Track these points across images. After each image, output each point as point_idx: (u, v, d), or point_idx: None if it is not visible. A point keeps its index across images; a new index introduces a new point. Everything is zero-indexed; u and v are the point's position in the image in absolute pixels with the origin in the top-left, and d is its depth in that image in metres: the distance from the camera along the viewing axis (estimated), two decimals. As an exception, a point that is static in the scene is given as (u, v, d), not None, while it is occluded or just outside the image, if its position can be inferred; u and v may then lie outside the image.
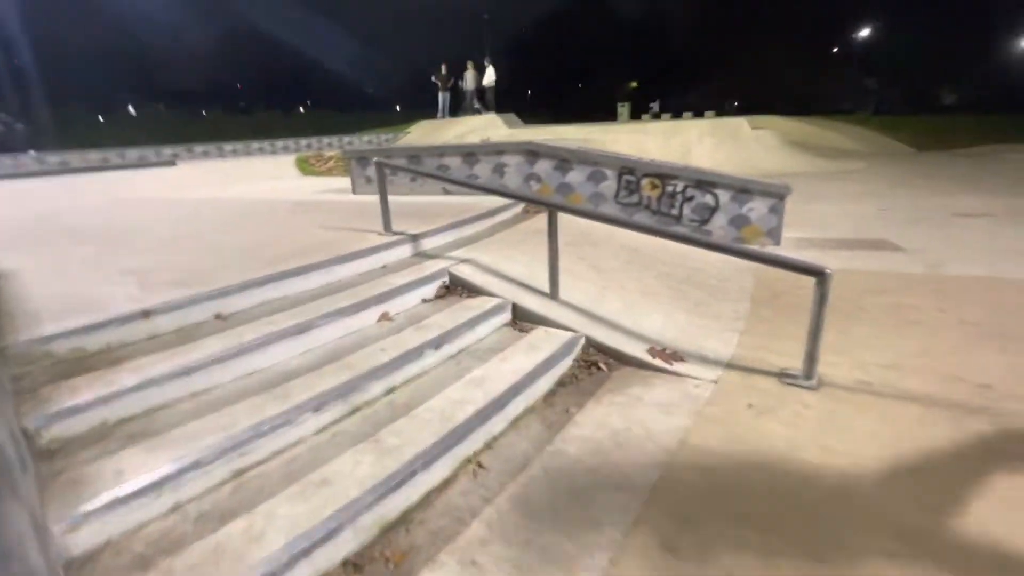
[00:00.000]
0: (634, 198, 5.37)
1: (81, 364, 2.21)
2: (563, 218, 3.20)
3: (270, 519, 1.66)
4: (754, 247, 3.97)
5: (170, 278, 2.91)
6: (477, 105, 16.34)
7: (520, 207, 5.32)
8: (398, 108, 45.08)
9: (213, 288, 2.69)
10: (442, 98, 16.36)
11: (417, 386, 2.47)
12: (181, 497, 1.74)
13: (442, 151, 6.09)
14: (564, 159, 5.49)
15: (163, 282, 2.85)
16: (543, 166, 5.66)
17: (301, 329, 2.53)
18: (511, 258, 3.78)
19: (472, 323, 2.90)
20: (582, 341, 2.95)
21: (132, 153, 14.19)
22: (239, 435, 1.91)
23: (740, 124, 13.24)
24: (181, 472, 1.74)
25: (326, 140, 18.61)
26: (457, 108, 16.69)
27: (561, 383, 2.70)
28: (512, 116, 15.60)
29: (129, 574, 1.49)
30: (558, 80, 50.64)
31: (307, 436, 2.08)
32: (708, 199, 5.15)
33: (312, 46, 47.36)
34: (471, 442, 2.14)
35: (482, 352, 2.78)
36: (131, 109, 37.74)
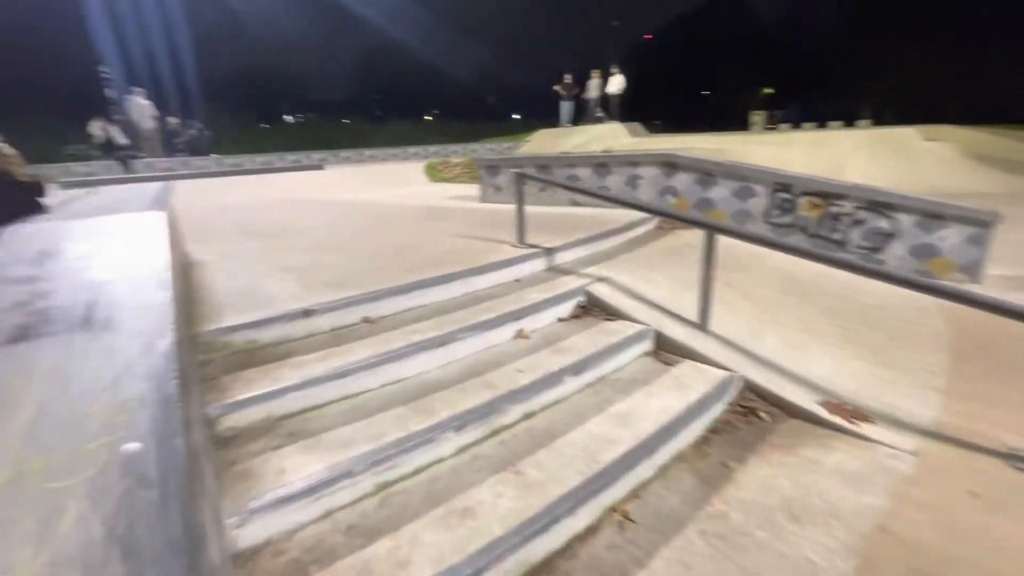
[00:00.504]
0: (788, 218, 4.76)
1: (253, 356, 2.38)
2: (695, 237, 2.86)
3: (415, 545, 1.60)
4: (958, 286, 3.27)
5: (325, 278, 3.09)
6: (600, 113, 16.05)
7: (653, 223, 4.99)
8: (516, 117, 46.25)
9: (363, 292, 2.79)
10: (565, 107, 16.32)
11: (556, 414, 2.32)
12: (333, 504, 1.75)
13: (573, 161, 5.95)
14: (707, 172, 5.06)
15: (319, 282, 3.02)
16: (682, 179, 5.27)
17: (443, 341, 2.51)
18: (651, 280, 3.50)
19: (613, 350, 2.69)
20: (738, 382, 2.60)
21: (289, 157, 16.11)
22: (386, 448, 1.89)
23: (909, 135, 11.43)
24: (334, 480, 1.75)
25: (452, 148, 19.55)
26: (579, 117, 16.55)
27: (715, 430, 2.38)
28: (636, 125, 15.08)
29: (285, 578, 1.51)
30: (683, 88, 48.47)
31: (448, 456, 2.02)
32: (883, 224, 4.39)
33: (441, 59, 50.62)
34: (617, 488, 1.93)
35: (624, 384, 2.55)
36: (289, 118, 43.19)
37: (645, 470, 2.05)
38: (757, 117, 19.38)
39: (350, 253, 3.81)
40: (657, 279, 3.52)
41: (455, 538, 1.62)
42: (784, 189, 4.75)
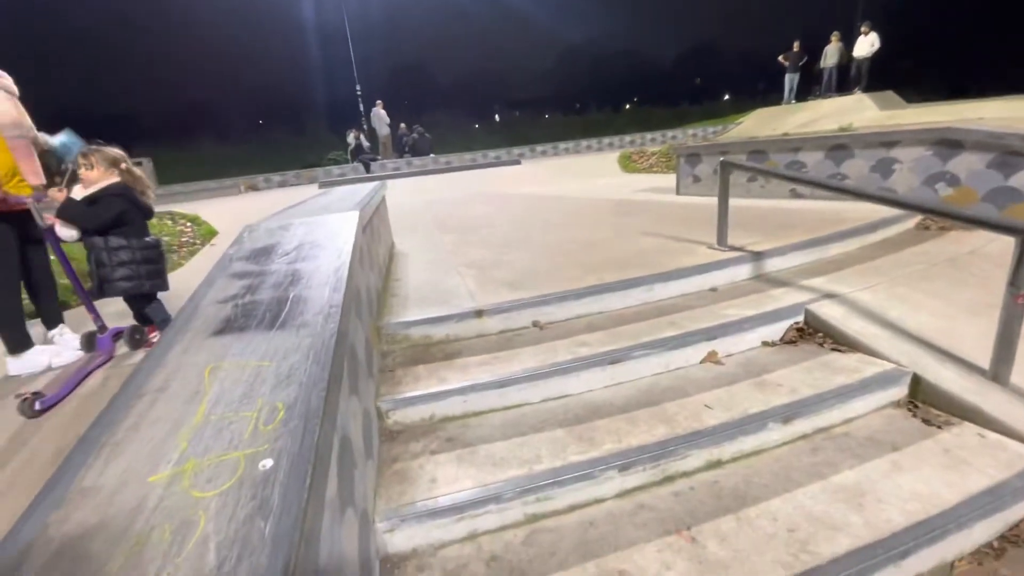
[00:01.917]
0: None
1: (426, 352, 2.44)
2: (986, 243, 1.89)
3: (558, 604, 1.37)
4: None
5: (502, 276, 3.06)
6: (835, 86, 13.29)
7: (913, 221, 3.78)
8: (727, 97, 41.82)
9: (536, 295, 2.65)
10: (789, 80, 13.99)
11: (752, 470, 1.82)
12: (477, 528, 1.64)
13: (798, 144, 4.89)
14: (1014, 151, 3.58)
15: (497, 280, 3.00)
16: (966, 162, 3.85)
17: (614, 359, 2.20)
18: (907, 300, 2.59)
19: (842, 393, 2.02)
20: (1064, 473, 1.69)
21: (491, 154, 17.40)
22: (538, 477, 1.70)
23: None
24: (483, 502, 1.63)
25: (649, 136, 18.62)
26: (807, 92, 14.01)
27: (1017, 541, 1.58)
28: (889, 95, 12.05)
29: (425, 599, 1.43)
30: (957, 42, 37.30)
31: (607, 497, 1.74)
32: None
33: (640, 46, 48.77)
34: (839, 597, 1.39)
35: (857, 445, 1.89)
36: (496, 117, 46.92)
37: (887, 581, 1.45)
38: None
39: (531, 250, 3.74)
40: (918, 300, 2.59)
41: (606, 610, 1.34)
42: None
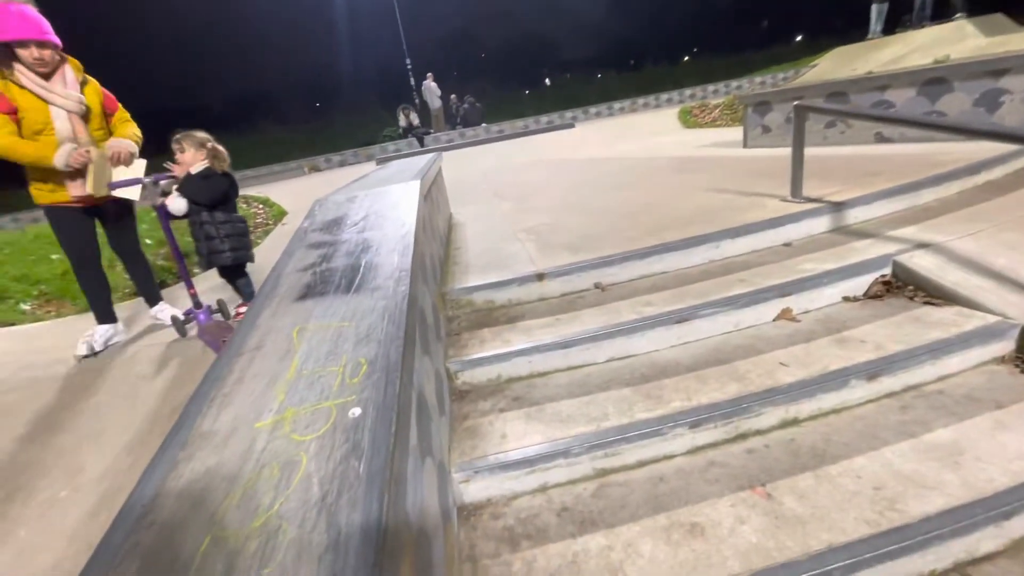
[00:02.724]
0: None
1: (490, 316, 2.50)
2: None
3: (629, 553, 1.40)
4: None
5: (561, 240, 3.04)
6: (930, 12, 11.73)
7: (1023, 160, 3.34)
8: (799, 39, 38.12)
9: (596, 256, 2.62)
10: (876, 8, 12.45)
11: (833, 428, 1.74)
12: (548, 480, 1.69)
13: (885, 81, 4.40)
14: None
15: (556, 244, 2.99)
16: (1095, 87, 3.33)
17: (680, 318, 2.15)
18: (1017, 247, 2.32)
19: (936, 348, 1.87)
20: None
21: (543, 119, 17.03)
22: (606, 433, 1.72)
23: None
24: (552, 456, 1.67)
25: (711, 88, 17.48)
26: (897, 22, 12.47)
27: None
28: (998, 18, 10.48)
29: (499, 544, 1.51)
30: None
31: (678, 453, 1.73)
32: None
33: (701, -13, 45.14)
34: (929, 557, 1.33)
35: (953, 403, 1.75)
36: (547, 81, 45.63)
37: (986, 541, 1.36)
38: None
39: (589, 214, 3.68)
40: (1030, 246, 2.32)
41: (678, 559, 1.36)
42: None
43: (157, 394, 2.72)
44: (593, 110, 17.85)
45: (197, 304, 3.15)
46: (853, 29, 13.57)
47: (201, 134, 2.99)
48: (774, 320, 2.23)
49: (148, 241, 5.71)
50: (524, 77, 43.27)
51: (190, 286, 3.17)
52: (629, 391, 1.92)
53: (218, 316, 3.28)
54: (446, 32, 42.60)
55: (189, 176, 2.91)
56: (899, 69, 5.29)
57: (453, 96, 17.75)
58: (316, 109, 43.21)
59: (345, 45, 42.56)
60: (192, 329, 3.26)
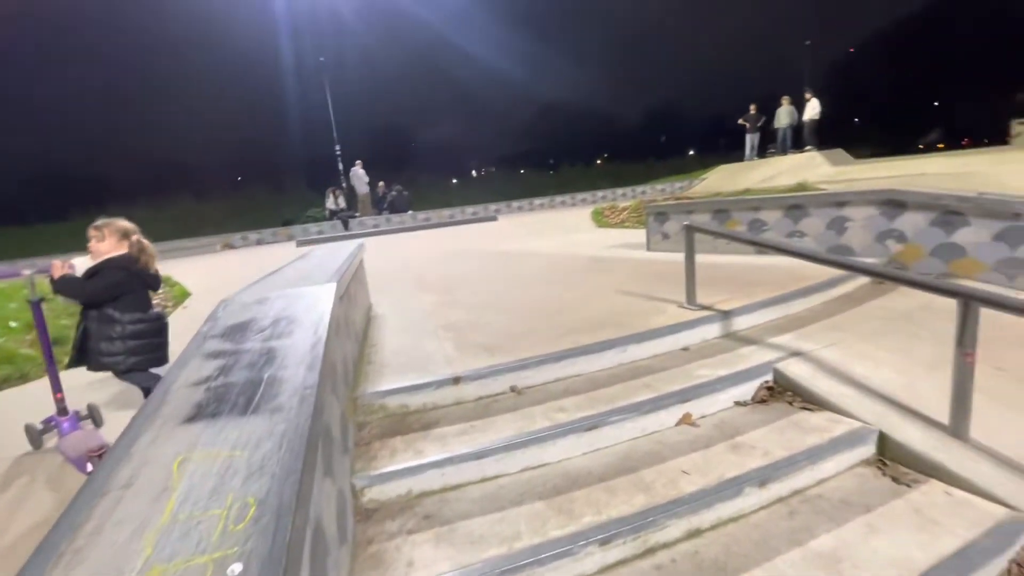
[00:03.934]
0: (1097, 271, 3.33)
1: (403, 422, 2.41)
2: (935, 297, 2.02)
3: None
4: None
5: (479, 340, 3.08)
6: (790, 144, 14.26)
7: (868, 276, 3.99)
8: (691, 153, 44.19)
9: (513, 360, 2.67)
10: (750, 139, 14.95)
11: (732, 538, 1.82)
12: (456, 615, 1.58)
13: (758, 203, 5.19)
14: (953, 211, 3.88)
15: (474, 344, 3.02)
16: (912, 221, 4.14)
17: (591, 424, 2.22)
18: (869, 356, 2.70)
19: (813, 454, 2.07)
20: (1030, 530, 1.74)
21: (469, 209, 17.79)
22: (517, 555, 1.66)
23: None
24: (460, 586, 1.58)
25: (620, 191, 19.38)
26: (765, 149, 14.95)
27: (991, 604, 1.60)
28: (839, 152, 12.96)
29: None
30: (904, 103, 40.75)
31: (589, 574, 1.70)
32: None
33: (610, 104, 51.93)
34: (824, 675, 1.37)
35: (831, 507, 1.91)
36: (473, 173, 48.38)
37: (870, 653, 1.44)
38: (1023, 127, 15.09)
39: (509, 311, 3.79)
40: (879, 356, 2.71)
41: None
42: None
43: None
44: (516, 204, 18.99)
45: (62, 411, 2.73)
46: (733, 148, 16.03)
47: (126, 224, 2.79)
48: (676, 425, 2.36)
49: (13, 324, 5.02)
50: (453, 168, 45.61)
51: (57, 389, 2.76)
52: (542, 505, 1.90)
53: (87, 424, 2.86)
54: (379, 122, 44.53)
55: (65, 278, 2.64)
56: (770, 191, 6.27)
57: (381, 183, 18.17)
58: (236, 183, 42.09)
59: (275, 124, 42.86)
60: (50, 440, 2.80)
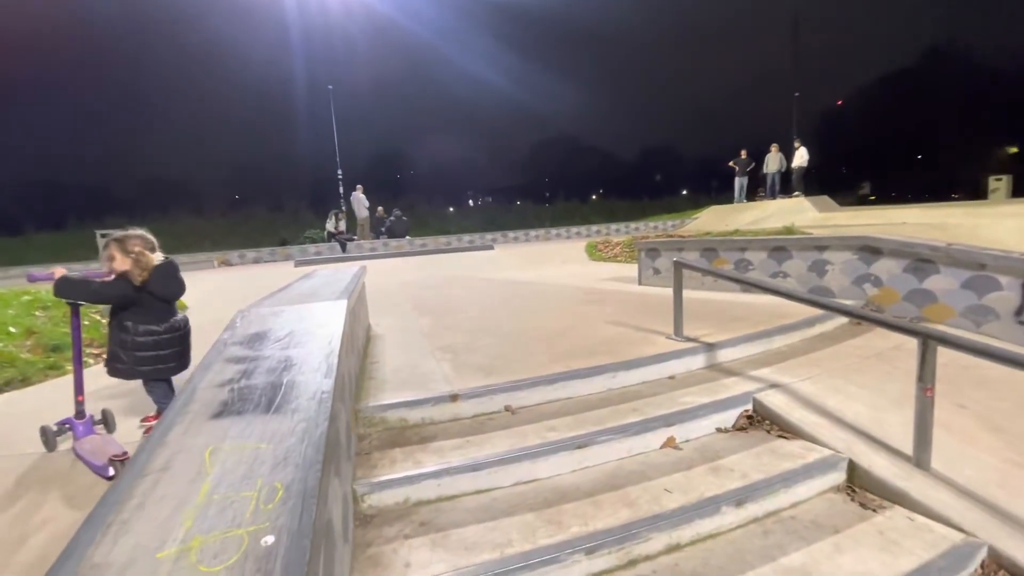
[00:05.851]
0: (1057, 320, 3.57)
1: (402, 435, 2.53)
2: (907, 339, 2.21)
3: None
4: None
5: (476, 361, 3.22)
6: (778, 188, 14.82)
7: (846, 317, 4.20)
8: (684, 192, 45.35)
9: (508, 380, 2.82)
10: (739, 183, 15.51)
11: (710, 553, 1.94)
12: (450, 615, 1.68)
13: (744, 244, 5.46)
14: (924, 259, 4.14)
15: (470, 365, 3.16)
16: (886, 266, 4.40)
17: (581, 443, 2.35)
18: (842, 391, 2.88)
19: (787, 478, 2.21)
20: (982, 553, 1.88)
21: (466, 238, 18.11)
22: (509, 560, 1.77)
23: None
24: (454, 587, 1.68)
25: (613, 227, 19.85)
26: (754, 193, 15.50)
27: (945, 621, 1.73)
28: (825, 199, 13.48)
29: None
30: (889, 155, 42.43)
31: (575, 582, 1.81)
32: None
33: (607, 142, 53.58)
34: None
35: (802, 528, 2.05)
36: (470, 202, 49.21)
37: (833, 660, 1.55)
38: (999, 183, 15.80)
39: (504, 336, 3.95)
40: (851, 391, 2.88)
41: None
42: (1049, 281, 3.61)
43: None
44: (512, 234, 19.35)
45: (80, 414, 2.80)
46: (724, 190, 16.57)
47: (130, 241, 2.90)
48: (661, 447, 2.50)
49: (12, 329, 5.08)
50: (451, 196, 46.38)
51: (80, 392, 2.83)
52: (533, 516, 2.01)
53: (100, 428, 2.93)
54: (381, 149, 45.45)
55: (65, 278, 2.76)
56: (757, 232, 6.56)
57: (380, 208, 18.48)
58: (235, 201, 42.41)
59: (277, 145, 43.55)
60: (64, 442, 2.85)
